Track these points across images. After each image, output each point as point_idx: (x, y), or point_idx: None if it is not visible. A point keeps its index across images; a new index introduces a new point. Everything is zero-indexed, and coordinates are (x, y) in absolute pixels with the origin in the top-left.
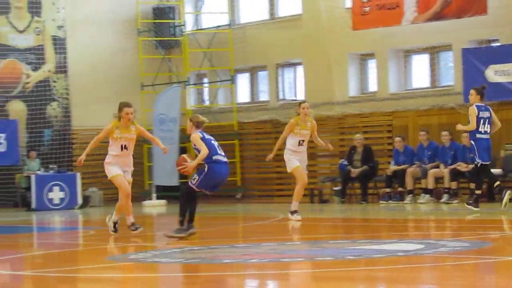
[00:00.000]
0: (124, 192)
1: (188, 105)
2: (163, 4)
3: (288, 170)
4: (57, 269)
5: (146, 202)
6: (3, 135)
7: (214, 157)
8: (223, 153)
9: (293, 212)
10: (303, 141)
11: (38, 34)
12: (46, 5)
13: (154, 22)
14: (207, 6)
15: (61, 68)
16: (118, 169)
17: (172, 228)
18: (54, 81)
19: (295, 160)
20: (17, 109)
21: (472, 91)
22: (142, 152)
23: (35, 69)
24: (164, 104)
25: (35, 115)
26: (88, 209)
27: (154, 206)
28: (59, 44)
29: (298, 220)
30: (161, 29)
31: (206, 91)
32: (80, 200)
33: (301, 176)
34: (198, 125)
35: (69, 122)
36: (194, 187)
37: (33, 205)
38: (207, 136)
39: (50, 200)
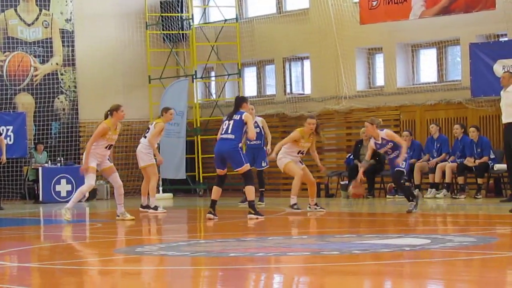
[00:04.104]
0: None
1: (195, 98)
2: None
3: (281, 168)
4: (64, 262)
5: None
6: (10, 127)
7: None
8: None
9: (293, 206)
10: (302, 152)
11: (46, 27)
12: None
13: (162, 16)
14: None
15: (69, 61)
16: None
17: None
18: (62, 74)
19: (285, 159)
20: (25, 102)
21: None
22: None
23: (43, 62)
24: (171, 98)
25: (43, 108)
26: (95, 202)
27: (161, 199)
28: (67, 37)
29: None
30: (169, 22)
31: (213, 84)
32: (87, 193)
33: (295, 169)
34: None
35: (77, 115)
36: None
37: (41, 198)
38: None
39: (58, 193)
